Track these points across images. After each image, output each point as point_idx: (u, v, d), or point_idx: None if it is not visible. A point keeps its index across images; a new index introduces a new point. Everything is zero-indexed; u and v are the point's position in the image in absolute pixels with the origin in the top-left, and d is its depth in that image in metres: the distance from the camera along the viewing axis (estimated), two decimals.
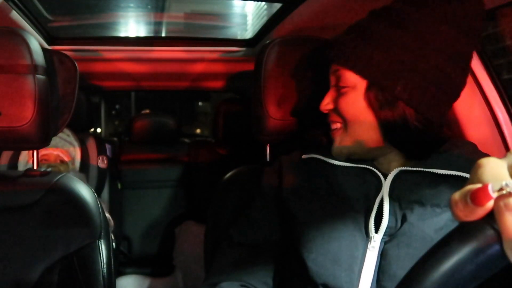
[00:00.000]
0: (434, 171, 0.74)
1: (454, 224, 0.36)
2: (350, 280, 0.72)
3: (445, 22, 0.72)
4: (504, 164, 0.36)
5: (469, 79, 1.01)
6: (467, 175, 0.72)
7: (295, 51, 1.02)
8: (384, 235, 0.72)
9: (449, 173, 0.73)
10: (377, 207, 0.74)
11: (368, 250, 0.72)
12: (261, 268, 0.83)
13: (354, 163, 0.81)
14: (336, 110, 0.81)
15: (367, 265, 0.72)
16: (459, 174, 0.72)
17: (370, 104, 0.76)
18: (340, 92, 0.79)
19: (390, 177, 0.76)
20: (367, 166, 0.79)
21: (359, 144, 0.79)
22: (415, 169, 0.75)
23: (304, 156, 0.89)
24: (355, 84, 0.77)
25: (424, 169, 0.74)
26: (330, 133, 0.84)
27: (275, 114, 1.02)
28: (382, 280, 0.70)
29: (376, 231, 0.73)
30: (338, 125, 0.82)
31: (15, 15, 1.18)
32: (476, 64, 1.01)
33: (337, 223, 0.75)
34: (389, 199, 0.74)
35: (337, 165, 0.82)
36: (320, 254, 0.74)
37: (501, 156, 0.37)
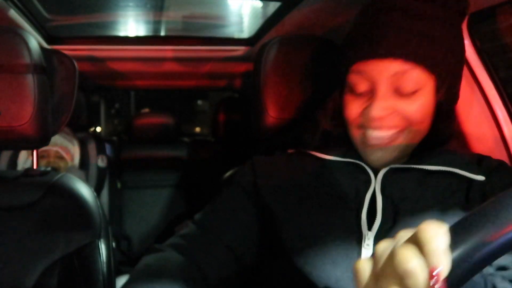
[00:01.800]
0: (424, 168, 0.73)
1: (446, 220, 0.36)
2: (350, 280, 0.69)
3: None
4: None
5: (468, 78, 1.01)
6: (456, 171, 0.72)
7: (295, 50, 1.02)
8: (377, 232, 0.70)
9: (439, 169, 0.72)
10: (368, 204, 0.72)
11: (363, 248, 0.70)
12: (211, 251, 0.76)
13: (343, 157, 0.78)
14: (395, 115, 0.71)
15: None
16: (448, 170, 0.72)
17: (439, 105, 0.72)
18: (403, 96, 0.69)
19: (381, 174, 0.74)
20: (356, 161, 0.77)
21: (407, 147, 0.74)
22: (405, 166, 0.74)
23: (289, 151, 0.85)
24: (425, 84, 0.69)
25: (414, 166, 0.74)
26: (365, 141, 0.74)
27: (274, 113, 1.02)
28: None
29: (369, 228, 0.71)
30: (393, 130, 0.71)
31: (14, 14, 1.18)
32: (475, 63, 1.00)
33: (331, 223, 0.73)
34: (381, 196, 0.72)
35: (326, 159, 0.79)
36: (318, 258, 0.71)
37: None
